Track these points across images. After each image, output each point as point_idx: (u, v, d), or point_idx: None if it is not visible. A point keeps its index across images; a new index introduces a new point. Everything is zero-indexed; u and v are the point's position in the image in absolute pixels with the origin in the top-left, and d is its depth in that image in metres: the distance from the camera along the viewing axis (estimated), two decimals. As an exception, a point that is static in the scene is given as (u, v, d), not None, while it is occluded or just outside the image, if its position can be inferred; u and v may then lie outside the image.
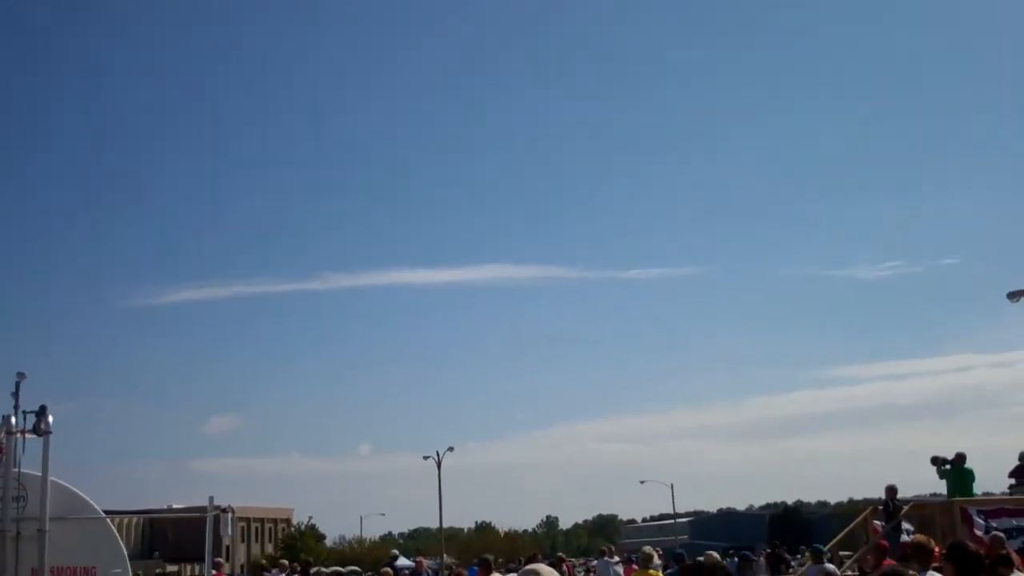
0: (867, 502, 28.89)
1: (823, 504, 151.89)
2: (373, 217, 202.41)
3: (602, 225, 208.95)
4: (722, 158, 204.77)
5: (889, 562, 18.55)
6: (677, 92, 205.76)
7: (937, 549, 9.81)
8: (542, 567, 5.54)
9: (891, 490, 23.24)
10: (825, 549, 23.44)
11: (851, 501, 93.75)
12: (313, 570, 23.16)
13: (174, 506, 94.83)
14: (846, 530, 25.90)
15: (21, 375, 16.58)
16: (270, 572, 30.49)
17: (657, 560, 19.84)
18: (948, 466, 23.19)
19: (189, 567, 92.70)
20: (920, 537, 10.82)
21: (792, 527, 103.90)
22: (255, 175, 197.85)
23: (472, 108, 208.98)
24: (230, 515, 18.89)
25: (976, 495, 23.03)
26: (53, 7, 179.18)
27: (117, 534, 17.59)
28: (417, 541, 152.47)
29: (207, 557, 19.10)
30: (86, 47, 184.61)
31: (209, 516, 18.41)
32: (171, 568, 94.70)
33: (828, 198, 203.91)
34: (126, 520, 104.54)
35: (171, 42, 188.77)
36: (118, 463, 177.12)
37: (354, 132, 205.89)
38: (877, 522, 23.28)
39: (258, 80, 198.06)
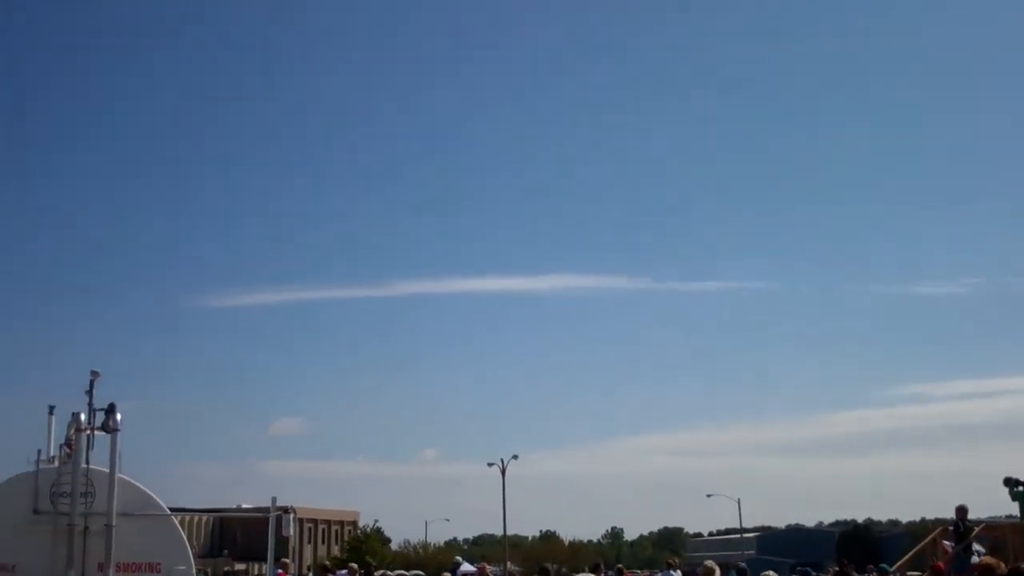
0: (938, 522, 28.40)
1: (894, 523, 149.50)
2: (441, 225, 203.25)
3: (670, 236, 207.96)
4: (796, 172, 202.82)
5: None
6: (753, 102, 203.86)
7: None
8: (594, 578, 5.48)
9: (961, 510, 22.84)
10: (892, 569, 23.12)
11: (923, 520, 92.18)
12: (378, 573, 23.17)
13: (243, 506, 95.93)
14: (915, 550, 25.53)
15: (95, 374, 16.90)
16: (334, 574, 30.61)
17: (719, 574, 19.60)
18: (1021, 487, 22.76)
19: (256, 566, 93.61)
20: (988, 559, 10.62)
21: (861, 545, 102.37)
22: (326, 182, 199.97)
23: (542, 119, 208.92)
24: (292, 515, 19.06)
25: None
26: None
27: (182, 531, 17.83)
28: (481, 547, 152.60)
29: (269, 556, 19.33)
30: (173, 42, 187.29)
31: (272, 516, 18.61)
32: (239, 567, 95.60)
33: (901, 214, 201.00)
34: (196, 518, 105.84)
35: (259, 51, 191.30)
36: (189, 463, 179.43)
37: (423, 140, 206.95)
38: (947, 543, 22.91)
39: (331, 90, 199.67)
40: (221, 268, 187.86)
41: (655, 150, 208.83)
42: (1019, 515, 23.30)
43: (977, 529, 22.74)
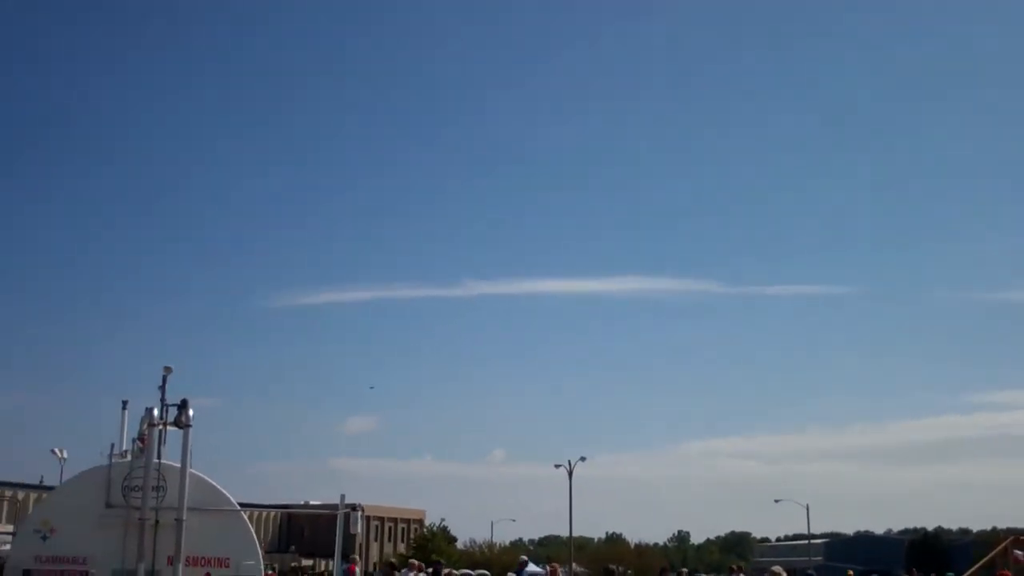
0: (1011, 532, 27.97)
1: (965, 532, 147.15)
2: (515, 226, 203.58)
3: (745, 239, 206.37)
4: (879, 177, 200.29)
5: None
6: (833, 99, 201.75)
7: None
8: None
9: (1033, 520, 22.50)
10: (960, 578, 22.86)
11: (994, 530, 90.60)
12: (445, 571, 23.40)
13: (311, 502, 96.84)
14: (985, 559, 25.21)
15: (168, 369, 17.21)
16: (400, 571, 30.77)
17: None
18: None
19: (323, 562, 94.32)
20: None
21: (931, 553, 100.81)
22: (401, 182, 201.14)
23: (613, 120, 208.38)
24: (360, 512, 19.30)
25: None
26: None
27: (251, 527, 18.10)
28: (547, 548, 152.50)
29: (336, 552, 19.59)
30: (225, 55, 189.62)
31: (340, 513, 18.87)
32: (306, 562, 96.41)
33: (984, 219, 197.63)
34: (264, 514, 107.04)
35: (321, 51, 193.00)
36: (261, 459, 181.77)
37: (495, 139, 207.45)
38: (1019, 552, 22.59)
39: (401, 85, 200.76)
40: (297, 267, 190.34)
41: (728, 153, 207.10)
42: None
43: (1049, 540, 22.39)
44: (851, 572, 21.50)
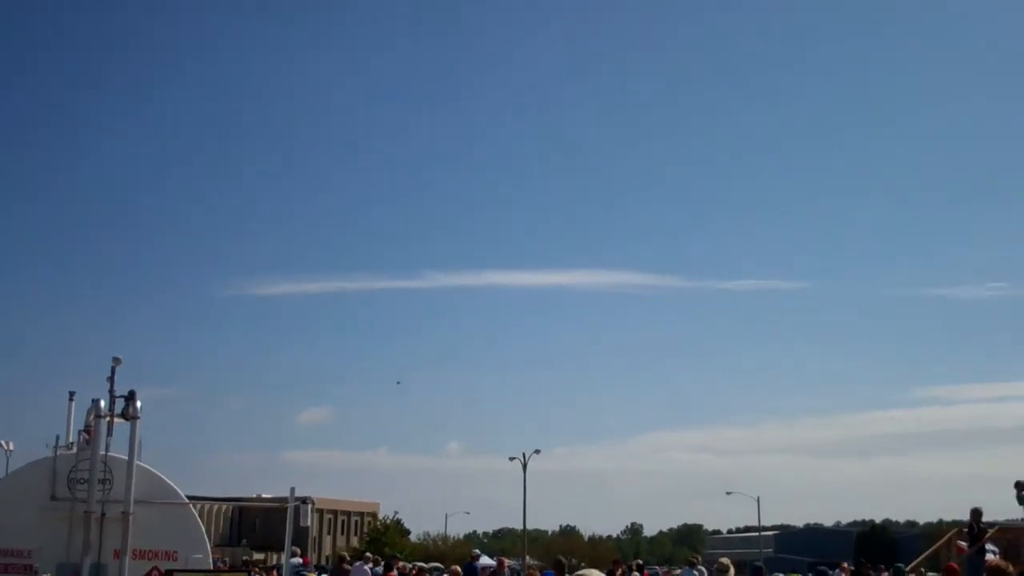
0: (955, 524, 28.37)
1: (912, 524, 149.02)
2: (471, 218, 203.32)
3: (702, 234, 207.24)
4: (829, 174, 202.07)
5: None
6: (796, 99, 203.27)
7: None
8: (592, 572, 5.62)
9: (976, 512, 22.80)
10: (907, 569, 23.14)
11: (940, 522, 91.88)
12: (399, 564, 23.45)
13: (264, 495, 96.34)
14: (930, 551, 25.55)
15: (117, 360, 17.06)
16: (352, 565, 30.81)
17: (733, 572, 19.60)
18: (1026, 492, 22.58)
19: (276, 556, 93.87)
20: (999, 561, 10.64)
21: (879, 545, 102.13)
22: (363, 173, 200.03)
23: (571, 115, 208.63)
24: (310, 506, 19.28)
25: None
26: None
27: (199, 520, 18.03)
28: (501, 541, 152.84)
29: (286, 545, 19.52)
30: (185, 43, 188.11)
31: (290, 506, 18.82)
32: (258, 556, 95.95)
33: (933, 218, 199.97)
34: (216, 507, 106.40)
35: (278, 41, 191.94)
36: (215, 451, 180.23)
37: (455, 130, 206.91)
38: (963, 543, 22.89)
39: (362, 73, 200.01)
40: (255, 257, 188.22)
41: (686, 148, 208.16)
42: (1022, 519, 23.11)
43: (991, 532, 22.68)
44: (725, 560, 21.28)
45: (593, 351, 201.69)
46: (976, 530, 22.52)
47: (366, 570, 30.64)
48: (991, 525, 23.13)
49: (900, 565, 23.68)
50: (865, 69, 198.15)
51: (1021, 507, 22.89)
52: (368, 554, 38.22)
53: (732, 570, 18.62)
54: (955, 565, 20.70)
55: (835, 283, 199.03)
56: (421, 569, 61.10)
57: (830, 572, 30.35)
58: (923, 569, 24.32)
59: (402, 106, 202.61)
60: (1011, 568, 8.88)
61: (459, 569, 27.63)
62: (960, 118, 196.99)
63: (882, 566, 23.02)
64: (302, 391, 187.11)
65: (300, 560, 32.86)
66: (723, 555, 21.25)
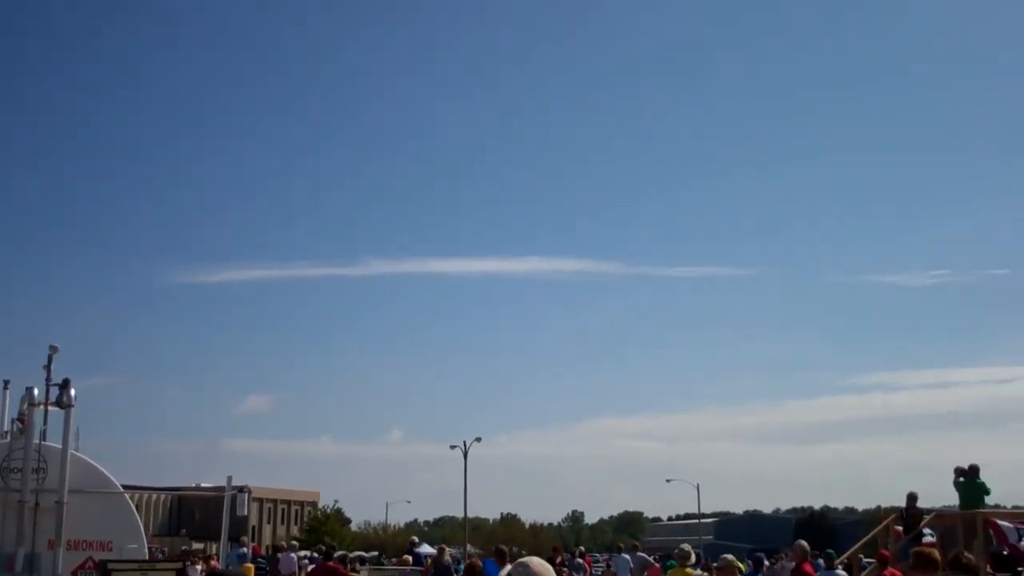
0: (892, 510, 28.68)
1: (851, 510, 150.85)
2: (412, 204, 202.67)
3: (644, 222, 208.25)
4: (773, 165, 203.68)
5: (892, 572, 18.47)
6: (731, 100, 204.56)
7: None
8: (532, 559, 5.55)
9: (911, 498, 23.09)
10: (840, 558, 23.35)
11: (879, 508, 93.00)
12: (338, 554, 23.66)
13: (204, 485, 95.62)
14: (867, 537, 25.79)
15: (54, 348, 16.78)
16: (284, 553, 31.80)
17: (694, 559, 19.47)
18: (963, 478, 22.85)
19: (214, 545, 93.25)
20: (924, 548, 10.66)
21: (818, 532, 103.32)
22: (299, 157, 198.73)
23: (510, 103, 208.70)
24: (247, 495, 19.13)
25: (988, 507, 22.74)
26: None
27: (135, 509, 17.78)
28: (442, 529, 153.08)
29: (223, 535, 19.37)
30: (131, 37, 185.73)
31: (227, 495, 18.66)
32: (197, 545, 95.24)
33: (877, 206, 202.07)
34: (155, 496, 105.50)
35: (210, 25, 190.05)
36: (154, 441, 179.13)
37: (396, 120, 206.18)
38: (900, 528, 23.14)
39: (311, 59, 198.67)
40: (189, 246, 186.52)
41: (632, 136, 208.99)
42: (958, 504, 23.33)
43: (928, 518, 22.96)
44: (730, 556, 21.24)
45: (534, 338, 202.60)
46: (910, 516, 22.82)
47: (292, 558, 31.90)
48: (928, 511, 23.42)
49: (831, 551, 23.86)
50: (808, 53, 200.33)
51: (957, 492, 23.18)
52: (295, 543, 39.18)
53: (694, 557, 18.64)
54: (887, 552, 20.93)
55: (778, 270, 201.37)
56: (360, 558, 60.95)
57: (766, 559, 30.53)
58: (860, 556, 24.52)
59: (343, 93, 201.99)
60: (936, 554, 8.90)
61: (410, 558, 28.14)
62: (905, 104, 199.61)
63: (816, 552, 23.19)
64: (244, 380, 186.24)
65: (246, 550, 33.34)
66: (663, 542, 21.38)
